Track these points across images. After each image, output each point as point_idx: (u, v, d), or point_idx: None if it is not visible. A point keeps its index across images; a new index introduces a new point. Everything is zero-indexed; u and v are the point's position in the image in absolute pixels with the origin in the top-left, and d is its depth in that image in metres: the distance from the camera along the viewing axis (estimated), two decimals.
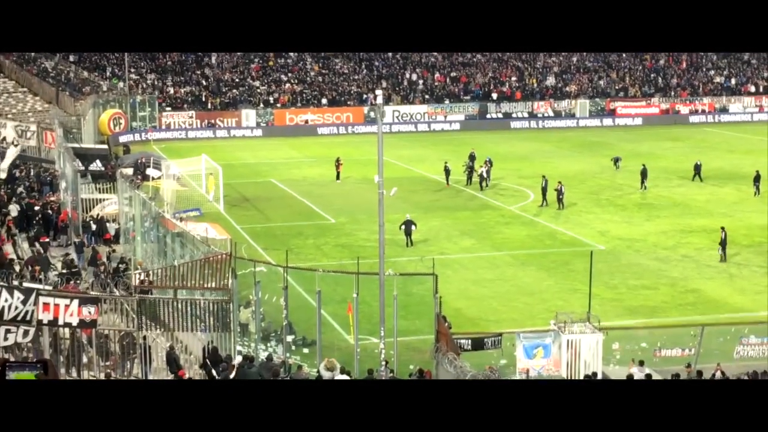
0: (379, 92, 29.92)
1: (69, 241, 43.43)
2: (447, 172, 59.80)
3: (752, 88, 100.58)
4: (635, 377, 25.16)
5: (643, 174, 58.54)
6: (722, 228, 43.22)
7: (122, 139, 75.16)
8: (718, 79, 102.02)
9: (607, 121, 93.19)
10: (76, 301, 25.68)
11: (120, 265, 36.48)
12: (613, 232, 47.54)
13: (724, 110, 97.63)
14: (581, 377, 26.41)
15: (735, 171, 57.95)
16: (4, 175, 51.48)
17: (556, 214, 51.34)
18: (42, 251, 38.18)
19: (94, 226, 44.10)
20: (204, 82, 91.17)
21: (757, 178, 56.40)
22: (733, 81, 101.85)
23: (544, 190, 53.26)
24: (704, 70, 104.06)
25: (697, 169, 60.60)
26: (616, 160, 64.93)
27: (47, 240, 41.09)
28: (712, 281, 39.26)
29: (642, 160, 63.31)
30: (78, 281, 31.87)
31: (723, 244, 42.25)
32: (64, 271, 34.76)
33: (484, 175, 59.07)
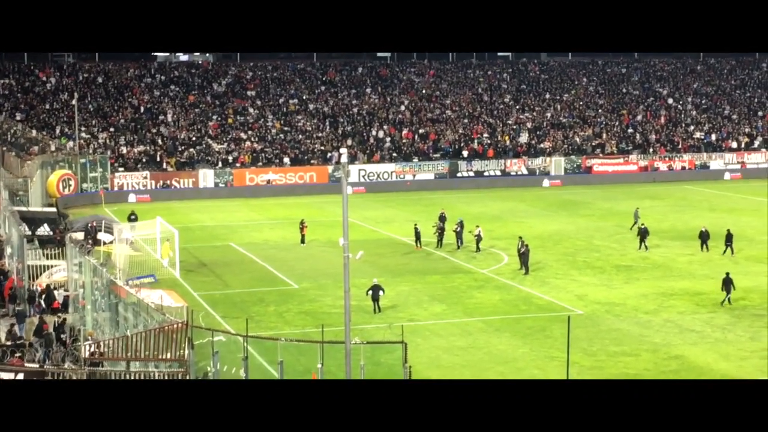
0: (344, 150, 30.07)
1: (15, 310, 43.02)
2: (417, 234, 59.96)
3: (733, 144, 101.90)
4: None
5: (643, 234, 58.84)
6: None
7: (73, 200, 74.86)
8: (698, 135, 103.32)
9: (583, 179, 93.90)
10: (21, 376, 25.42)
11: (68, 336, 36.13)
12: (592, 296, 47.71)
13: (704, 167, 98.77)
14: None
15: (717, 231, 58.45)
16: None
17: (516, 274, 51.50)
18: None
19: (39, 295, 43.68)
20: (159, 141, 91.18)
21: (728, 238, 57.11)
22: (713, 136, 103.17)
23: (519, 253, 53.39)
24: (683, 125, 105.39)
25: (704, 236, 58.26)
26: (636, 218, 64.23)
27: None
28: (696, 347, 39.41)
29: (618, 219, 63.54)
30: (23, 354, 31.52)
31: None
32: (9, 343, 34.37)
33: (459, 234, 59.33)
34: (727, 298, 45.34)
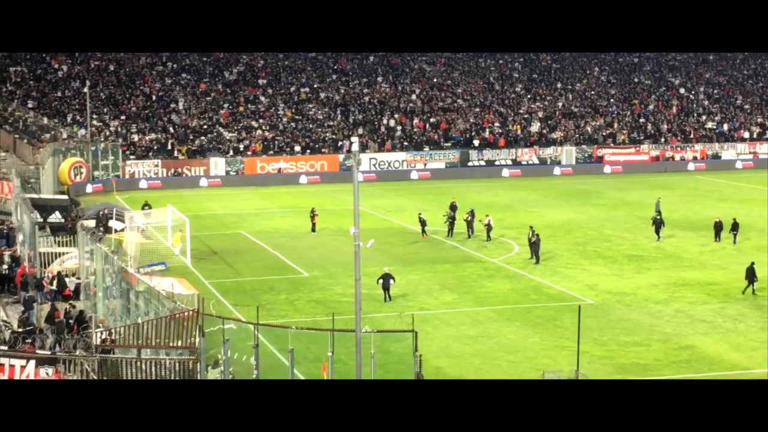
0: (355, 139, 30.09)
1: (25, 297, 43.18)
2: (422, 222, 59.95)
3: (746, 134, 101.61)
4: None
5: (658, 224, 58.72)
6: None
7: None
8: (709, 125, 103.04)
9: (595, 169, 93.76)
10: (32, 362, 25.51)
11: (77, 323, 36.24)
12: (602, 286, 47.67)
13: (716, 157, 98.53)
14: None
15: (729, 221, 58.29)
16: None
17: (527, 264, 51.46)
18: None
19: (50, 282, 43.80)
20: (170, 129, 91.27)
21: (734, 227, 57.09)
22: (725, 126, 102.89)
23: (530, 242, 53.34)
24: (695, 115, 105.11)
25: (718, 227, 58.29)
26: (658, 211, 63.96)
27: None
28: (707, 337, 39.37)
29: (629, 209, 63.44)
30: (34, 341, 31.64)
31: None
32: (20, 329, 34.50)
33: (470, 222, 59.32)
34: (751, 288, 45.28)
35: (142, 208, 63.34)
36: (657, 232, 58.54)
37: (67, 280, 44.31)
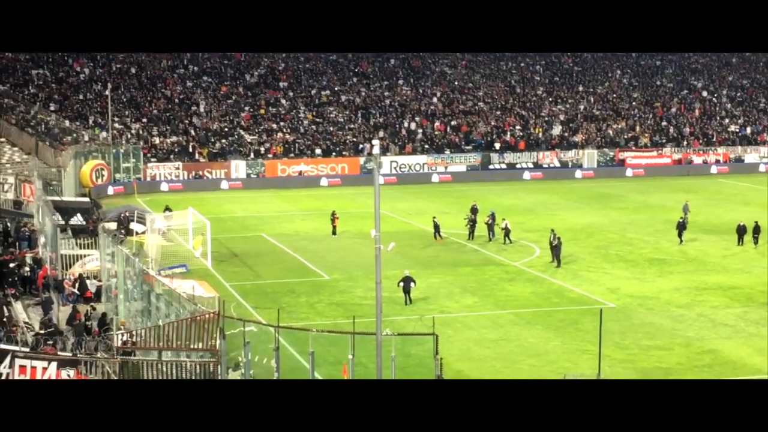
0: (376, 142, 30.04)
1: (43, 299, 43.34)
2: (436, 226, 59.72)
3: None
4: None
5: (681, 227, 58.55)
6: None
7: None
8: (732, 128, 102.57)
9: (617, 172, 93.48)
10: (54, 364, 25.60)
11: (99, 325, 36.36)
12: (624, 289, 47.49)
13: (739, 160, 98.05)
14: None
15: (751, 225, 57.96)
16: None
17: (548, 267, 51.32)
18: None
19: (72, 285, 43.96)
20: (191, 132, 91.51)
21: (756, 230, 56.87)
22: (748, 130, 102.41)
23: (551, 246, 53.18)
24: (718, 118, 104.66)
25: (741, 231, 58.01)
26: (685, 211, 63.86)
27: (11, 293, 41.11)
28: (730, 341, 39.16)
29: (651, 212, 63.01)
30: (55, 343, 31.75)
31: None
32: (42, 331, 34.63)
33: (492, 225, 59.23)
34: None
35: (163, 212, 63.48)
36: (680, 235, 58.33)
37: (88, 282, 44.47)
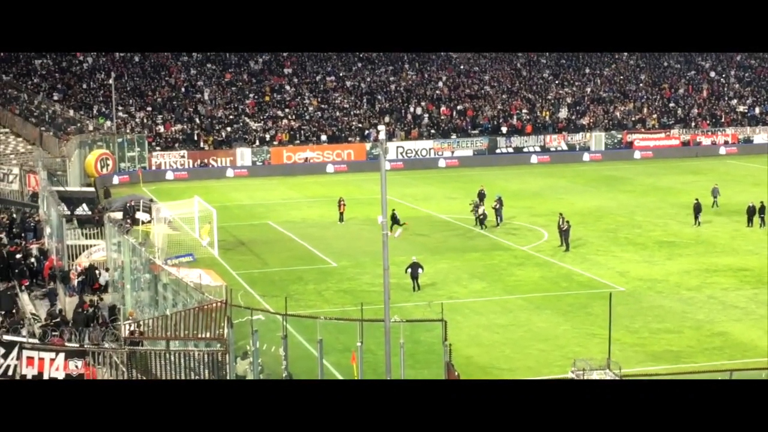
0: (381, 127, 29.96)
1: (48, 289, 43.40)
2: (394, 218, 55.77)
3: None
4: None
5: (697, 209, 58.45)
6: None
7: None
8: (740, 108, 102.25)
9: (624, 155, 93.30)
10: (62, 355, 25.64)
11: (108, 316, 36.40)
12: (633, 273, 47.44)
13: (747, 141, 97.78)
14: None
15: (760, 206, 57.83)
16: None
17: (557, 251, 51.28)
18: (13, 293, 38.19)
19: (78, 275, 43.99)
20: (196, 120, 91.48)
21: (762, 210, 56.88)
22: (757, 110, 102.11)
23: (560, 230, 53.11)
24: (726, 99, 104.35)
25: (751, 212, 58.05)
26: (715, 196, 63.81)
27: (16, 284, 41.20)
28: (740, 323, 39.11)
29: (659, 195, 62.86)
30: (62, 333, 31.80)
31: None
32: (49, 322, 34.67)
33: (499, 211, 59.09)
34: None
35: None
36: (696, 216, 58.17)
37: (96, 272, 44.45)
